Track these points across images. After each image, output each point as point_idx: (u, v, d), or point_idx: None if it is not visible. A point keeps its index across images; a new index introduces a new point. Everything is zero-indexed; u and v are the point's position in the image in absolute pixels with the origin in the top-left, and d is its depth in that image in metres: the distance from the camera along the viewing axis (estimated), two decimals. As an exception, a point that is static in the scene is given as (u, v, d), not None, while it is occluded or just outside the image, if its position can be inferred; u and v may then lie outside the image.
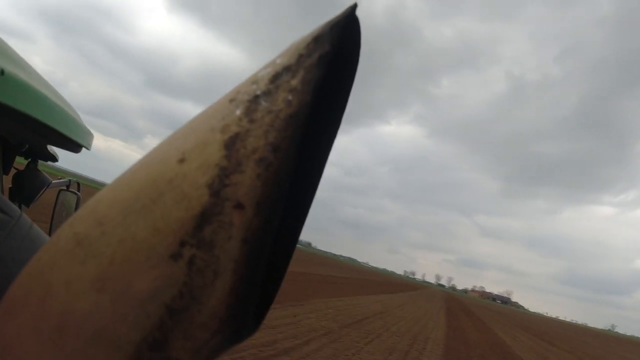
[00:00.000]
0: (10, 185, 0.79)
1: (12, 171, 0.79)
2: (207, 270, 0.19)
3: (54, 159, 0.88)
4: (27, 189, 0.80)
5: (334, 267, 42.61)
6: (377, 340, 7.83)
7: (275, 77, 0.22)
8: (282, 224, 0.29)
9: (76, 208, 1.08)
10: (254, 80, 0.23)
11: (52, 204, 1.06)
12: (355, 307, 12.35)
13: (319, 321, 8.03)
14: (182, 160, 0.21)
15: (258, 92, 0.22)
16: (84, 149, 0.74)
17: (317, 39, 0.22)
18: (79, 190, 1.11)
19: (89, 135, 0.75)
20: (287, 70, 0.22)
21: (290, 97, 0.21)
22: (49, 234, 0.73)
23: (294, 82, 0.21)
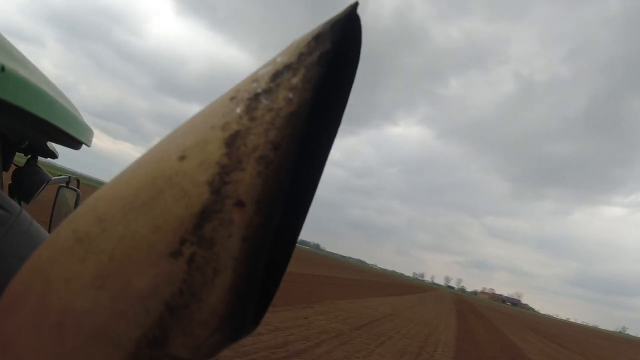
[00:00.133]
0: (10, 182, 0.79)
1: (12, 168, 0.79)
2: (207, 267, 0.19)
3: (53, 155, 0.88)
4: (26, 185, 0.80)
5: (343, 269, 42.61)
6: (388, 343, 7.85)
7: (276, 75, 0.22)
8: (283, 222, 0.29)
9: (76, 205, 1.08)
10: (254, 78, 0.23)
11: (52, 200, 1.06)
12: (365, 309, 12.36)
13: (330, 323, 8.05)
14: (182, 158, 0.21)
15: (259, 90, 0.22)
16: (83, 145, 0.74)
17: (318, 37, 0.22)
18: (78, 187, 1.11)
19: (89, 132, 0.74)
20: (287, 68, 0.22)
21: (290, 95, 0.21)
22: (49, 231, 0.73)
23: (295, 80, 0.21)
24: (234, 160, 0.20)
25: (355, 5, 0.24)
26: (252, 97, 0.22)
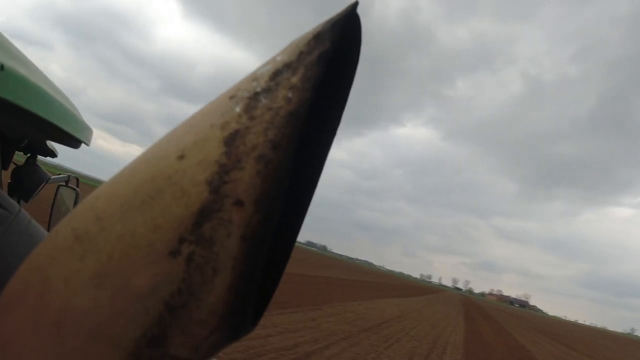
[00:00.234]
0: (9, 181, 0.79)
1: (11, 166, 0.79)
2: (206, 267, 0.19)
3: (53, 154, 0.88)
4: (26, 184, 0.80)
5: (350, 271, 42.57)
6: (397, 345, 7.86)
7: (276, 75, 0.22)
8: (282, 221, 0.29)
9: (75, 204, 1.07)
10: (254, 77, 0.23)
11: (51, 199, 1.06)
12: (373, 310, 12.38)
13: (338, 325, 8.08)
14: (181, 157, 0.21)
15: (258, 89, 0.22)
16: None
17: (317, 37, 0.22)
18: (77, 186, 1.11)
19: (89, 131, 0.74)
20: (287, 67, 0.22)
21: (290, 95, 0.21)
22: (48, 230, 0.73)
23: (294, 79, 0.21)
24: (233, 159, 0.20)
25: (355, 4, 0.24)
26: (252, 96, 0.21)
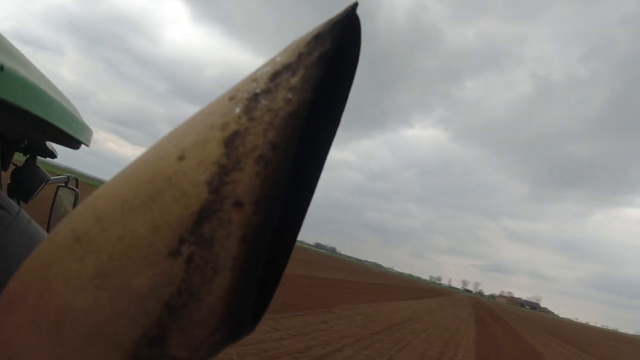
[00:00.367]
0: (9, 182, 0.79)
1: (11, 167, 0.79)
2: (206, 267, 0.19)
3: (53, 155, 0.88)
4: (25, 185, 0.80)
5: (359, 273, 42.46)
6: (408, 347, 7.86)
7: (275, 75, 0.22)
8: (281, 222, 0.29)
9: (75, 205, 1.07)
10: (253, 78, 0.23)
11: (51, 200, 1.06)
12: (383, 313, 12.37)
13: (350, 327, 8.08)
14: (181, 158, 0.21)
15: (258, 90, 0.22)
16: (83, 145, 0.74)
17: (317, 38, 0.22)
18: (77, 187, 1.11)
19: (88, 132, 0.74)
20: (287, 68, 0.22)
21: (290, 96, 0.21)
22: (47, 231, 0.73)
23: (294, 80, 0.21)
24: (233, 160, 0.20)
25: (355, 5, 0.24)
26: (251, 97, 0.22)
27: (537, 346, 15.90)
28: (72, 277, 0.21)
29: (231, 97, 0.22)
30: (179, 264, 0.19)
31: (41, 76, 0.53)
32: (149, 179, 0.21)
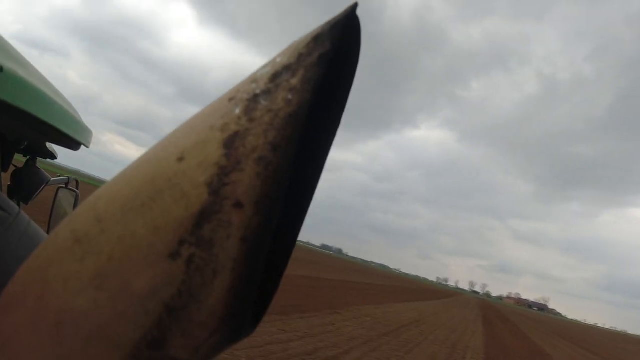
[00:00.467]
0: (9, 183, 0.79)
1: (11, 168, 0.79)
2: (206, 269, 0.19)
3: (52, 156, 0.88)
4: (25, 186, 0.80)
5: (366, 274, 42.31)
6: (417, 350, 7.84)
7: (275, 76, 0.22)
8: (282, 223, 0.29)
9: (75, 206, 1.08)
10: (253, 79, 0.23)
11: (51, 201, 1.06)
12: (391, 314, 12.35)
13: (357, 329, 8.07)
14: (181, 159, 0.21)
15: (257, 91, 0.22)
16: (83, 146, 0.74)
17: (317, 38, 0.22)
18: (77, 188, 1.11)
19: (88, 133, 0.74)
20: (287, 69, 0.22)
21: (290, 96, 0.21)
22: (48, 232, 0.73)
23: (294, 81, 0.21)
24: (233, 161, 0.20)
25: (355, 5, 0.24)
26: (251, 98, 0.22)
27: (546, 348, 15.86)
28: (72, 278, 0.21)
29: (231, 98, 0.22)
30: (179, 265, 0.19)
31: (41, 77, 0.53)
32: (149, 180, 0.21)
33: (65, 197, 1.09)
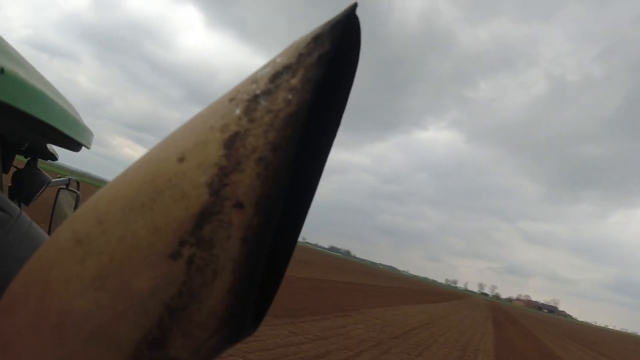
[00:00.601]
0: (10, 184, 0.79)
1: (12, 170, 0.79)
2: (206, 269, 0.19)
3: (53, 157, 0.88)
4: (26, 187, 0.80)
5: (375, 276, 42.18)
6: (427, 352, 7.82)
7: (275, 77, 0.22)
8: (282, 223, 0.29)
9: (76, 207, 1.08)
10: (253, 79, 0.23)
11: (52, 202, 1.06)
12: (400, 317, 12.32)
13: (367, 332, 8.06)
14: (181, 159, 0.21)
15: (258, 92, 0.22)
16: (83, 147, 0.74)
17: (317, 38, 0.22)
18: (78, 189, 1.11)
19: (89, 134, 0.75)
20: (287, 69, 0.22)
21: (290, 97, 0.21)
22: (49, 233, 0.73)
23: (294, 81, 0.21)
24: (233, 161, 0.20)
25: (355, 6, 0.24)
26: (251, 99, 0.22)
27: (556, 350, 15.80)
28: (73, 279, 0.21)
29: (231, 98, 0.22)
30: (179, 265, 0.19)
31: (41, 78, 0.53)
32: (149, 180, 0.21)
33: (65, 198, 1.09)
